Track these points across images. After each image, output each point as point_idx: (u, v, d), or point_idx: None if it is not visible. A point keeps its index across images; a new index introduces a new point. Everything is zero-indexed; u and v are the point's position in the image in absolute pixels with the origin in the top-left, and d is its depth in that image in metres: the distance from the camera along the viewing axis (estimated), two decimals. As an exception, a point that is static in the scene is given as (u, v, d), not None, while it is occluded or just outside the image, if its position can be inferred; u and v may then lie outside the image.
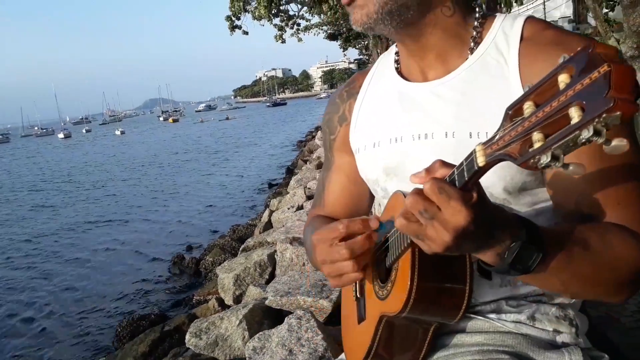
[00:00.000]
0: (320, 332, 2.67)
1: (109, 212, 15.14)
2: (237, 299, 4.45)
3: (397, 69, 1.09)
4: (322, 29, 18.12)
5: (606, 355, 0.96)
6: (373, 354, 0.94)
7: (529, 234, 0.71)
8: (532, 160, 0.53)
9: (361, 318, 1.00)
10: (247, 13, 13.87)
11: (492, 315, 0.97)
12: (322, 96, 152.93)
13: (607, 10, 12.14)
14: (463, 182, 0.65)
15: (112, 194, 18.62)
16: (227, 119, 75.70)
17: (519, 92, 0.87)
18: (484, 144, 0.61)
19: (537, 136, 0.52)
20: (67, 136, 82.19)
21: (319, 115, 58.19)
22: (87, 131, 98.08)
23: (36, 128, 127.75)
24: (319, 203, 1.26)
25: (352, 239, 0.89)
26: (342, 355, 1.14)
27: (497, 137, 0.59)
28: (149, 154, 33.98)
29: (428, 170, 0.68)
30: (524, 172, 0.90)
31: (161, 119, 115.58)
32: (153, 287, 7.92)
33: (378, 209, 1.18)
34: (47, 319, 7.41)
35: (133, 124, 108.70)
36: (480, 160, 0.61)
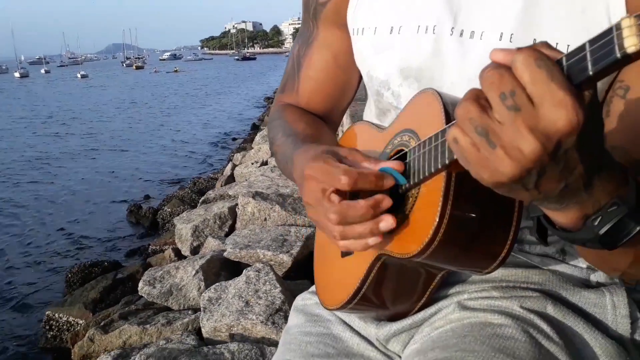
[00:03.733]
0: (278, 285, 2.62)
1: (67, 152, 14.66)
2: (195, 250, 4.36)
3: None
4: (297, -18, 17.58)
5: None
6: (360, 297, 0.75)
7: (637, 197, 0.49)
8: None
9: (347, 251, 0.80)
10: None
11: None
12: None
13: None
14: (583, 77, 0.40)
15: (71, 133, 17.97)
16: (176, 71, 72.84)
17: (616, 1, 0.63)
18: (638, 16, 0.37)
19: None
20: (23, 75, 78.24)
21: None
22: (46, 72, 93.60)
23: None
24: (290, 87, 0.96)
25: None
26: (313, 288, 0.95)
27: None
28: (113, 100, 32.79)
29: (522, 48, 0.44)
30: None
31: (124, 65, 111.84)
32: (107, 235, 7.73)
33: (377, 118, 0.87)
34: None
35: (95, 68, 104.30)
36: (631, 43, 0.36)
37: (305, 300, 0.96)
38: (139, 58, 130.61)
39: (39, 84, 59.38)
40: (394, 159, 0.69)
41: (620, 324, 0.74)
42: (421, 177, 0.62)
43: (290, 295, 2.61)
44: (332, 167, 0.66)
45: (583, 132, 0.42)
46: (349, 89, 0.94)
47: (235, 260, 3.37)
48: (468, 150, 0.46)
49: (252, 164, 7.72)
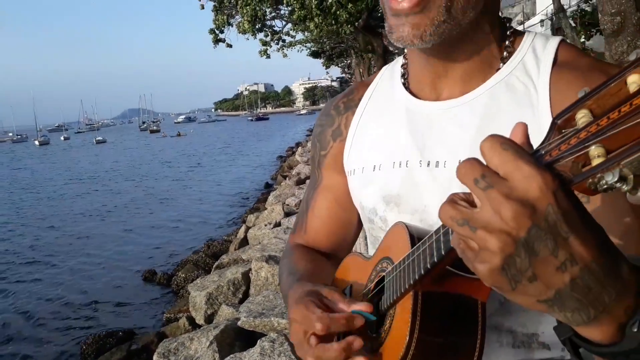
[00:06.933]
0: (294, 357, 2.56)
1: (79, 219, 14.79)
2: (209, 319, 4.31)
3: (404, 83, 0.95)
4: (305, 46, 18.19)
5: None
6: None
7: None
8: (590, 180, 0.41)
9: None
10: (231, 27, 13.86)
11: None
12: (302, 112, 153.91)
13: (583, 40, 12.46)
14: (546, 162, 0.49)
15: (85, 201, 18.20)
16: (179, 135, 74.88)
17: (548, 122, 0.71)
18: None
19: (596, 151, 0.41)
20: (43, 143, 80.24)
21: (299, 130, 58.44)
22: (66, 139, 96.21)
23: (10, 134, 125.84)
24: (300, 227, 1.12)
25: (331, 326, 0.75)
26: None
27: (542, 151, 0.45)
28: (130, 165, 33.44)
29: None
30: None
31: (140, 129, 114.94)
32: (122, 303, 7.69)
33: (372, 245, 1.02)
34: (6, 332, 7.10)
35: (111, 133, 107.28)
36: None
37: None
38: (154, 122, 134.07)
39: (60, 150, 60.82)
40: (375, 282, 0.80)
41: None
42: (394, 297, 0.71)
43: (305, 367, 2.56)
44: (310, 313, 0.76)
45: (561, 204, 0.43)
46: (351, 226, 1.07)
47: (249, 329, 3.33)
48: (460, 246, 0.48)
49: (266, 225, 7.73)
